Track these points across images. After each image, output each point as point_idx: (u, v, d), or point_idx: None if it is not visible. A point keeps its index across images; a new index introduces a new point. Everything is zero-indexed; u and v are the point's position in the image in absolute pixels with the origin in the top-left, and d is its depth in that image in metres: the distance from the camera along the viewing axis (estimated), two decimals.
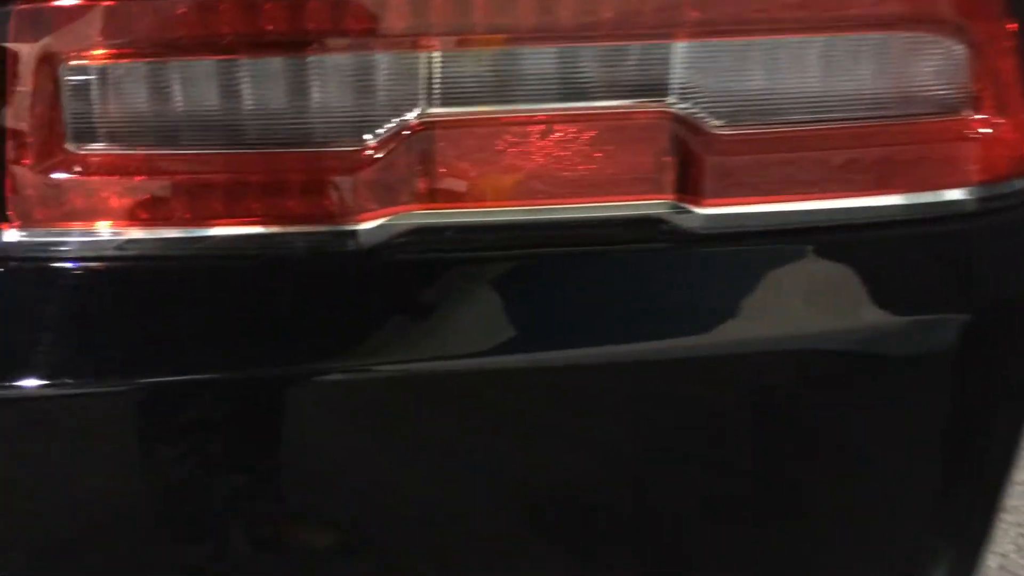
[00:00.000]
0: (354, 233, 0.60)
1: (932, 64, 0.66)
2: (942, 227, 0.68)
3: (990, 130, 0.67)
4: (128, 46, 0.57)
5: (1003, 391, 0.72)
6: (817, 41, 0.63)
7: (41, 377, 0.59)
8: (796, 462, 0.69)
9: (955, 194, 0.68)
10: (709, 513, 0.69)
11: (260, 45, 0.58)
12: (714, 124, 0.63)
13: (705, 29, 0.61)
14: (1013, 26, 0.66)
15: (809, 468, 0.69)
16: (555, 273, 0.64)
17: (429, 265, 0.62)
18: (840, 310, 0.67)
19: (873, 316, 0.68)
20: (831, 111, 0.65)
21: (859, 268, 0.67)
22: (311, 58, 0.58)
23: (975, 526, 0.75)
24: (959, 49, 0.65)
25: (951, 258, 0.70)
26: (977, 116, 0.67)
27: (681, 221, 0.63)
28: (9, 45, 0.56)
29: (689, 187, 0.63)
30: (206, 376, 0.60)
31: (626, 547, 0.69)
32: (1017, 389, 0.73)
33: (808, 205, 0.65)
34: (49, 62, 0.57)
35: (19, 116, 0.57)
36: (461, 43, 0.59)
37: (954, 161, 0.68)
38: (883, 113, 0.66)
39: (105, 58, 0.57)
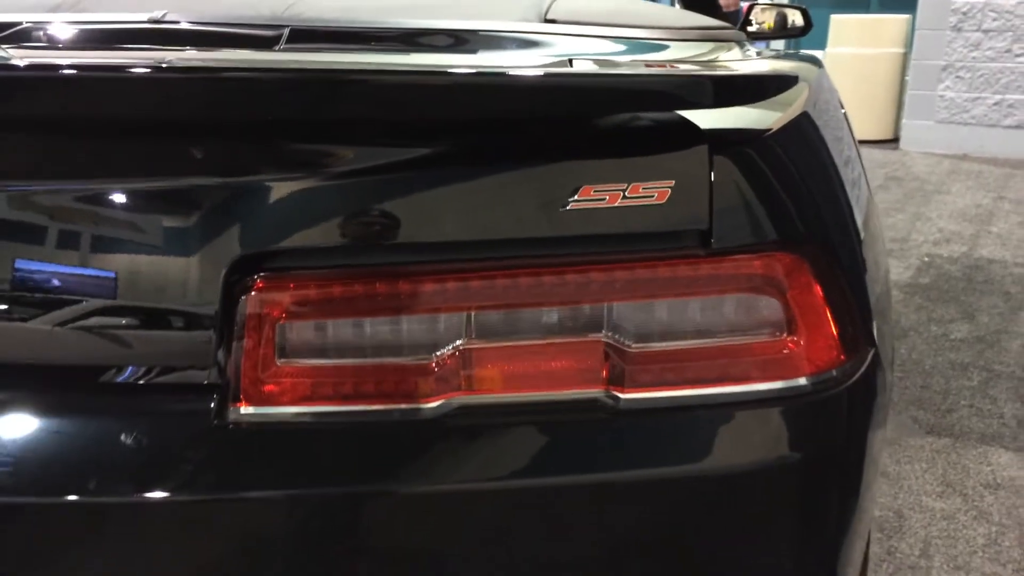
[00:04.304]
0: (422, 409, 0.99)
1: (768, 307, 1.07)
2: (790, 403, 1.08)
3: (812, 342, 1.09)
4: (306, 310, 1.03)
5: (825, 504, 1.12)
6: (689, 301, 1.07)
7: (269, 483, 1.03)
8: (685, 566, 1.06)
9: (796, 382, 1.08)
10: None
11: (380, 309, 1.05)
12: (631, 344, 1.06)
13: (628, 295, 1.06)
14: (818, 287, 1.08)
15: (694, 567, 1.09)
16: (538, 432, 1.02)
17: (468, 428, 1.00)
18: (717, 455, 1.02)
19: (739, 459, 1.04)
20: (708, 336, 1.06)
21: (729, 430, 1.03)
22: (406, 318, 1.04)
23: None
24: (783, 300, 1.07)
25: (794, 421, 1.09)
26: (801, 336, 1.08)
27: (610, 402, 1.01)
28: (249, 311, 1.03)
29: (616, 381, 1.03)
30: (343, 489, 0.99)
31: None
32: (838, 503, 1.13)
33: (692, 392, 1.04)
34: (268, 318, 1.04)
35: (252, 344, 1.04)
36: (485, 308, 1.05)
37: (790, 361, 1.07)
38: (739, 335, 1.07)
39: (294, 317, 1.03)
